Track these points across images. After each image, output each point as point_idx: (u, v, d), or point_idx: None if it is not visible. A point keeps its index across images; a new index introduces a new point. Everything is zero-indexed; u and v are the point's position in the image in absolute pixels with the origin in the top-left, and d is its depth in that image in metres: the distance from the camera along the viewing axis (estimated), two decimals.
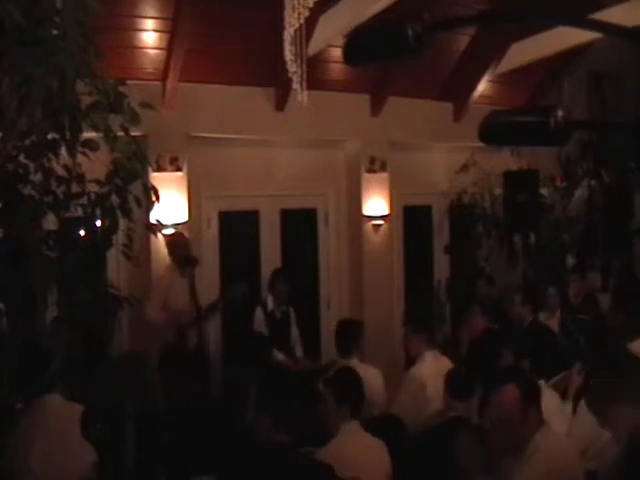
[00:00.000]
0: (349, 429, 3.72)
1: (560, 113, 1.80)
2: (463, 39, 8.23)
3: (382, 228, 8.50)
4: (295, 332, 7.23)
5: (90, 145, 3.15)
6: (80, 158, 3.18)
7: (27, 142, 3.08)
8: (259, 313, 7.04)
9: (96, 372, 3.92)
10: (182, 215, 7.07)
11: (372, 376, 5.04)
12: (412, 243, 9.23)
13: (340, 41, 6.62)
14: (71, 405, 3.72)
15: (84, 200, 3.27)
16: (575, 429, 3.60)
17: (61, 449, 3.61)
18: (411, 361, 5.57)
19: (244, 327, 6.97)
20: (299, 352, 7.18)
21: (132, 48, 6.66)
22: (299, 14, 4.94)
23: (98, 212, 3.27)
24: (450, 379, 4.40)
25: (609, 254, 9.62)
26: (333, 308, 8.53)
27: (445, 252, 9.47)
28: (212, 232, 7.77)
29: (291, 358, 6.96)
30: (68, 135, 3.04)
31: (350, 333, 5.40)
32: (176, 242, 6.81)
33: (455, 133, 8.82)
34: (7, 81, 2.69)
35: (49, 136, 3.07)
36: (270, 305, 7.13)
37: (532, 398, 3.15)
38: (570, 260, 9.50)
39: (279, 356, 6.71)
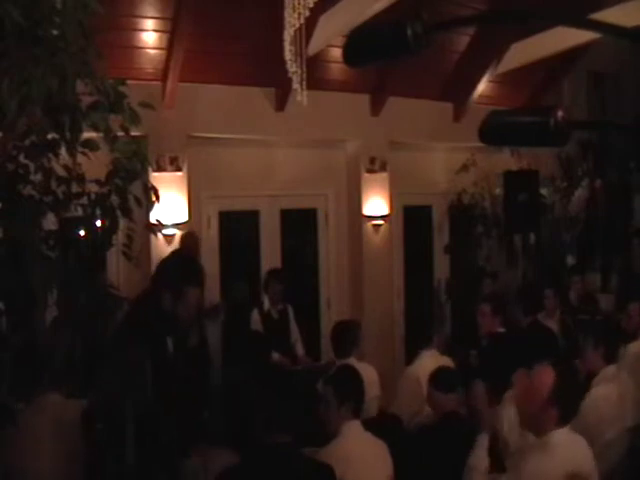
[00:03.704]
0: (351, 429, 3.71)
1: (560, 113, 1.80)
2: (463, 39, 8.23)
3: (382, 228, 8.50)
4: (295, 330, 7.22)
5: (90, 145, 3.14)
6: (80, 158, 3.17)
7: (27, 142, 3.08)
8: (255, 314, 7.02)
9: (96, 372, 3.92)
10: (182, 215, 7.07)
11: (368, 375, 5.03)
12: (412, 243, 9.24)
13: (340, 41, 6.63)
14: (70, 403, 3.73)
15: (84, 200, 3.26)
16: (574, 429, 3.59)
17: (64, 448, 3.62)
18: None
19: (243, 327, 6.97)
20: (300, 350, 7.17)
21: (132, 48, 6.66)
22: (299, 14, 4.94)
23: (98, 212, 3.25)
24: (434, 374, 4.44)
25: (609, 254, 9.63)
26: (333, 308, 8.54)
27: (445, 252, 9.47)
28: (212, 232, 7.78)
29: (291, 357, 6.95)
30: (68, 135, 3.03)
31: (348, 335, 5.39)
32: (184, 242, 6.89)
33: (455, 133, 8.82)
34: (7, 81, 2.68)
35: (49, 136, 3.06)
36: (266, 305, 7.12)
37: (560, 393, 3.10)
38: (570, 260, 9.51)
39: (275, 356, 6.71)
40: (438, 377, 4.38)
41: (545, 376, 3.10)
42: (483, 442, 3.54)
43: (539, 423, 3.08)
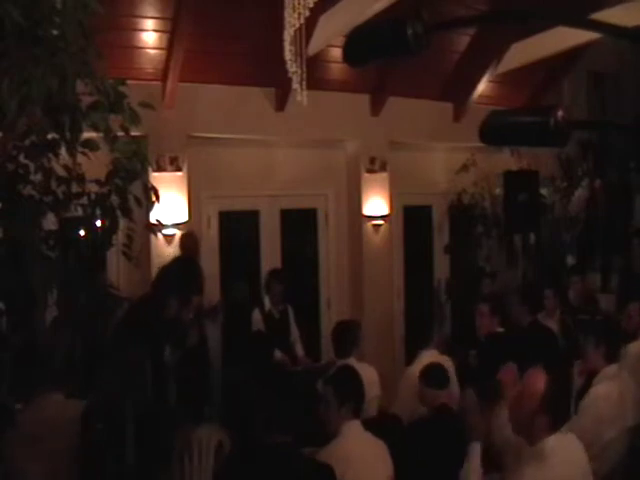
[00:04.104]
0: (351, 429, 3.71)
1: (560, 113, 1.80)
2: (463, 39, 8.23)
3: (382, 228, 8.50)
4: (295, 331, 7.22)
5: (90, 145, 3.14)
6: (80, 158, 3.17)
7: (27, 142, 3.08)
8: (256, 314, 7.02)
9: (96, 372, 3.92)
10: (182, 215, 7.07)
11: (368, 375, 5.04)
12: (412, 243, 9.23)
13: (340, 41, 6.62)
14: (70, 403, 3.74)
15: (84, 200, 3.26)
16: (574, 429, 3.59)
17: (64, 448, 3.62)
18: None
19: (244, 327, 6.97)
20: (299, 350, 7.16)
21: (132, 48, 6.66)
22: (299, 14, 4.94)
23: (98, 212, 3.26)
24: (424, 371, 4.53)
25: (609, 254, 9.63)
26: (333, 308, 8.54)
27: (445, 252, 9.47)
28: (212, 232, 7.77)
29: (291, 357, 6.94)
30: (68, 135, 3.03)
31: (348, 335, 5.40)
32: (183, 242, 6.91)
33: (455, 133, 8.82)
34: (7, 81, 2.68)
35: (49, 136, 3.07)
36: (267, 305, 7.12)
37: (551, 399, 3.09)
38: (570, 260, 9.51)
39: (277, 354, 6.71)
40: (429, 374, 4.48)
41: (537, 381, 3.09)
42: (475, 452, 3.52)
43: (531, 430, 3.07)
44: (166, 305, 4.73)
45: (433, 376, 4.44)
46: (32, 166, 3.14)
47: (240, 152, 7.77)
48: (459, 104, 8.93)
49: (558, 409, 3.10)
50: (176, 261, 6.65)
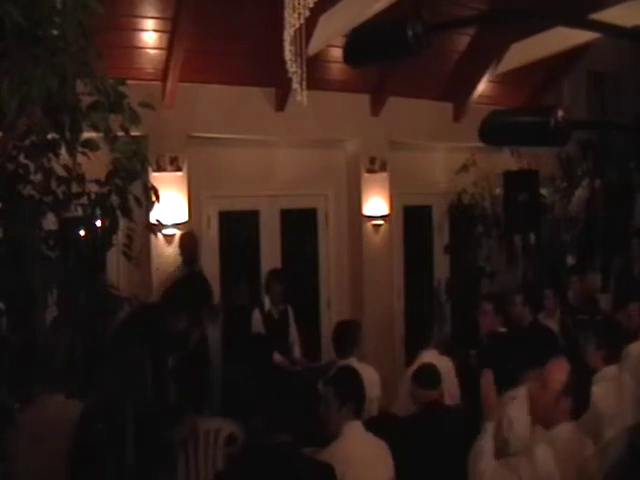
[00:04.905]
0: (352, 429, 3.71)
1: (560, 113, 1.81)
2: (463, 39, 8.23)
3: (382, 228, 8.50)
4: (294, 332, 7.21)
5: (90, 145, 3.14)
6: (80, 158, 3.17)
7: (27, 142, 3.08)
8: (256, 314, 7.02)
9: (96, 372, 3.92)
10: (182, 215, 7.08)
11: (369, 375, 5.04)
12: (412, 243, 9.24)
13: (340, 41, 6.63)
14: (70, 403, 3.74)
15: (84, 200, 3.26)
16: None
17: (64, 448, 3.62)
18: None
19: (244, 327, 6.97)
20: (297, 352, 7.15)
21: (132, 48, 6.66)
22: (299, 14, 4.94)
23: (98, 212, 3.26)
24: (416, 372, 4.60)
25: (609, 254, 9.63)
26: (333, 308, 8.54)
27: (445, 252, 9.47)
28: (212, 232, 7.78)
29: (288, 359, 6.94)
30: (68, 135, 3.03)
31: (349, 335, 5.40)
32: (183, 242, 6.92)
33: (455, 133, 8.82)
34: (7, 81, 2.68)
35: (49, 136, 3.07)
36: (267, 305, 7.11)
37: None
38: (570, 260, 9.51)
39: (276, 357, 6.70)
40: (420, 375, 4.53)
41: (560, 369, 3.16)
42: (489, 429, 3.53)
43: (550, 415, 3.11)
44: (175, 321, 4.80)
45: (424, 377, 4.50)
46: (32, 166, 3.14)
47: (240, 152, 7.77)
48: (459, 104, 8.93)
49: (580, 394, 3.17)
50: (189, 278, 6.68)
